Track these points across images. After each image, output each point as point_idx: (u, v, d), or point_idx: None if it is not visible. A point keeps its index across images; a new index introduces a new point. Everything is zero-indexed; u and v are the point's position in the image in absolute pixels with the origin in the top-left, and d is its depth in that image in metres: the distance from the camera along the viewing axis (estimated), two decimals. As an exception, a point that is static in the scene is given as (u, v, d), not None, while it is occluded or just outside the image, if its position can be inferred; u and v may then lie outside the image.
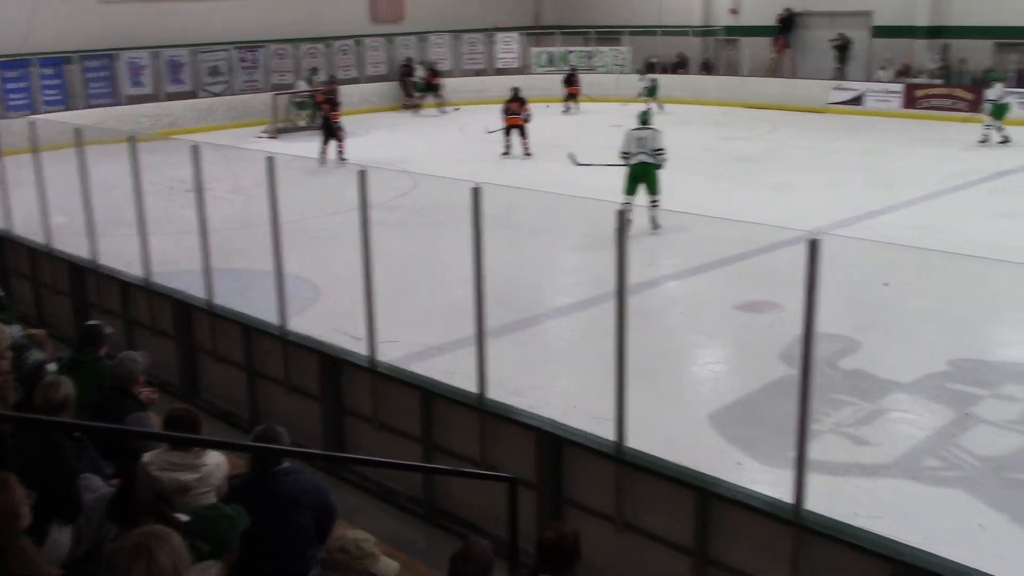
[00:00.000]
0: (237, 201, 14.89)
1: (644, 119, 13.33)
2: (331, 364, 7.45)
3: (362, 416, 7.34)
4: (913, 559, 4.60)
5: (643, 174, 12.98)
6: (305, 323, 8.37)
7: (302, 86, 25.26)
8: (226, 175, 17.13)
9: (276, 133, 23.39)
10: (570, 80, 28.09)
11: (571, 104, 27.70)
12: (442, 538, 6.34)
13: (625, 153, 13.12)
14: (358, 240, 6.87)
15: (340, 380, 7.47)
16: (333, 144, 19.22)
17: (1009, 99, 20.84)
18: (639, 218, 12.76)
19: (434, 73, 28.29)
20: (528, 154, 19.75)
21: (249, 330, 8.15)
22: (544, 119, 21.87)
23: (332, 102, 19.64)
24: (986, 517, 6.00)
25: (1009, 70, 23.66)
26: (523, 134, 19.90)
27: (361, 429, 7.37)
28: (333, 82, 24.53)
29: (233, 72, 26.35)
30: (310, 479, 4.52)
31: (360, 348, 7.26)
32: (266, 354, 8.08)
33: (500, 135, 20.10)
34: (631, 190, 12.96)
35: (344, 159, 18.75)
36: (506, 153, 19.92)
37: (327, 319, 9.10)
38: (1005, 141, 20.33)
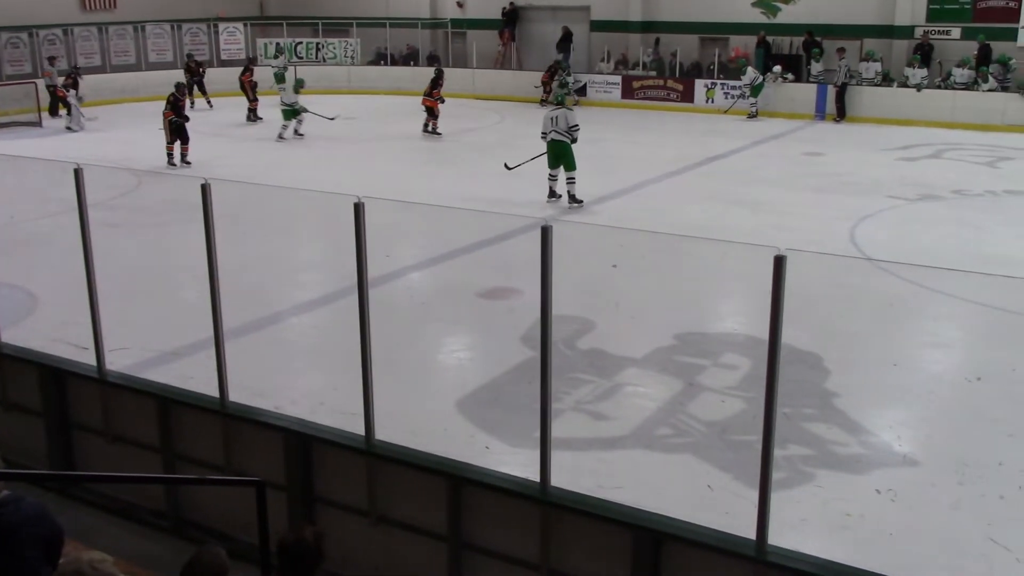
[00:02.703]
0: (-67, 205, 13.57)
1: (557, 100, 15.51)
2: (54, 377, 6.95)
3: (92, 429, 6.90)
4: (651, 523, 4.89)
5: (556, 151, 14.19)
6: (22, 334, 7.78)
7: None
8: (-84, 177, 15.54)
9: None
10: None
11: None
12: (190, 550, 6.05)
13: (543, 133, 14.38)
14: (78, 243, 6.43)
15: (65, 393, 6.98)
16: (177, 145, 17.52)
17: (761, 79, 23.88)
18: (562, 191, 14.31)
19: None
20: (436, 132, 21.05)
21: (-45, 346, 7.45)
22: (266, 111, 21.26)
23: (178, 106, 17.53)
24: (714, 478, 6.45)
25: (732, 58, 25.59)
26: (432, 115, 20.92)
27: (92, 443, 6.94)
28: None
29: (-79, 63, 23.91)
30: (33, 505, 4.14)
31: (87, 358, 6.84)
32: (-23, 371, 7.42)
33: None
34: (552, 164, 14.36)
35: (187, 162, 17.34)
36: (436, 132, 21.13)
37: (47, 329, 8.48)
38: (754, 115, 23.68)
